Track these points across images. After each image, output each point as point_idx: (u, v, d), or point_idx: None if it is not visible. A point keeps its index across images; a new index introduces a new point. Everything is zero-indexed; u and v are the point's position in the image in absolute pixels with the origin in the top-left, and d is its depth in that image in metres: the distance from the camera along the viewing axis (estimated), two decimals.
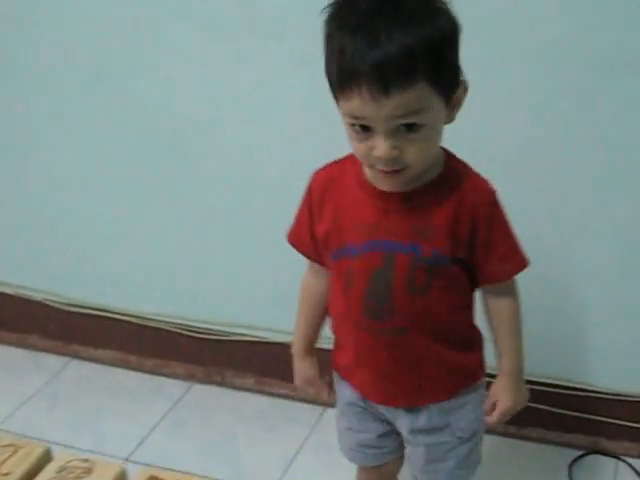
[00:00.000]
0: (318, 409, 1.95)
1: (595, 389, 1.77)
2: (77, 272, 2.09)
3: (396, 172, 1.13)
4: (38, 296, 2.15)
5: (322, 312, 1.36)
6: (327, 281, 1.32)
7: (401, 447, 1.41)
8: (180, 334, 2.04)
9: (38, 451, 0.67)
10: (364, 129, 1.09)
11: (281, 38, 1.66)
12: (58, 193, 2.02)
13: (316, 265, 1.33)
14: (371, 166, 1.14)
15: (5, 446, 0.66)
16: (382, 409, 1.33)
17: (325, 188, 1.26)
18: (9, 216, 2.10)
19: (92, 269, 2.06)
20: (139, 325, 2.06)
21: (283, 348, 1.90)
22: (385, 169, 1.12)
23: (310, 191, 1.28)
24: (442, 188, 1.20)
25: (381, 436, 1.38)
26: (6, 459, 0.65)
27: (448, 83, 1.11)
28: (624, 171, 1.58)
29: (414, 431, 1.32)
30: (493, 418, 1.30)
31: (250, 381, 2.03)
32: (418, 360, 1.26)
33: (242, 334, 1.99)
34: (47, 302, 2.14)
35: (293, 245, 1.32)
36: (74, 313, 2.12)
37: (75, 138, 1.93)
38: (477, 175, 1.23)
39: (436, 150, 1.17)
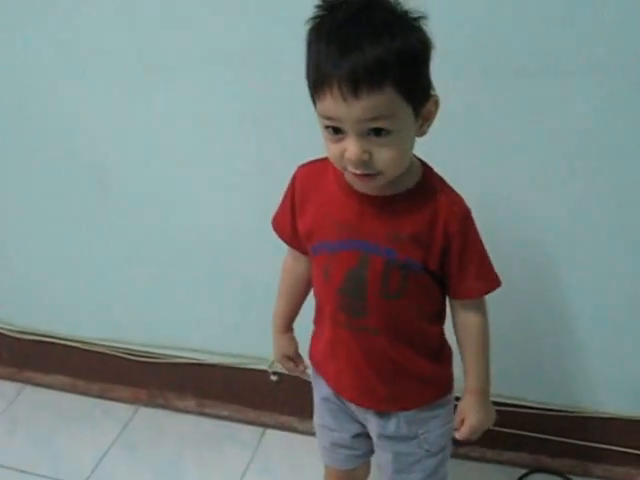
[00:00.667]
0: (259, 430, 2.02)
1: (532, 405, 1.81)
2: (26, 300, 2.15)
3: (369, 177, 1.19)
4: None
5: (302, 291, 1.45)
6: (307, 265, 1.40)
7: (371, 452, 1.48)
8: (123, 358, 2.09)
9: None
10: (337, 132, 1.16)
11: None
12: (4, 224, 2.08)
13: (296, 252, 1.40)
14: (344, 169, 1.21)
15: None
16: (353, 408, 1.40)
17: (307, 184, 1.33)
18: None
19: (40, 297, 2.12)
20: (85, 350, 2.11)
21: (223, 370, 1.96)
22: (357, 172, 1.18)
23: (294, 184, 1.35)
24: (418, 198, 1.25)
25: (355, 437, 1.46)
26: None
27: (417, 95, 1.17)
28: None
29: (382, 437, 1.39)
30: (462, 434, 1.34)
31: (191, 403, 2.08)
32: (390, 364, 1.32)
33: (181, 356, 2.03)
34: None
35: (276, 231, 1.40)
36: (25, 340, 2.18)
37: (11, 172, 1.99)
38: (452, 191, 1.28)
39: (407, 158, 1.22)
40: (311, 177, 1.34)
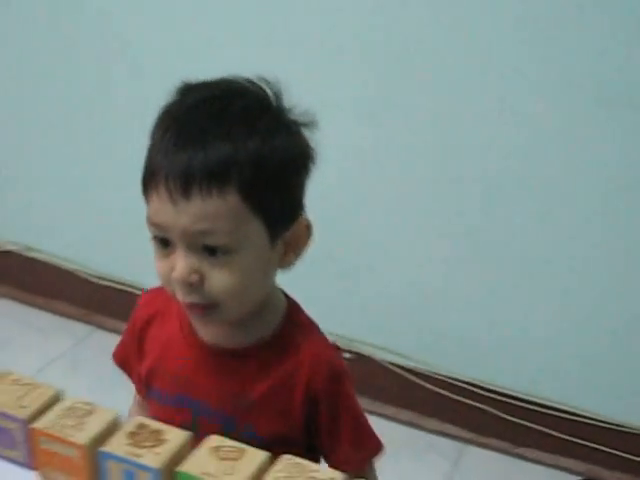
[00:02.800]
0: None
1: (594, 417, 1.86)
2: (106, 246, 2.25)
3: (203, 309, 0.95)
4: (69, 265, 2.31)
5: None
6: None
7: None
8: None
9: (50, 392, 0.84)
10: (165, 244, 0.94)
11: None
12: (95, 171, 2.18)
13: (140, 398, 1.15)
14: (174, 296, 0.96)
15: (25, 384, 0.84)
16: None
17: (148, 318, 1.09)
18: (49, 189, 2.27)
19: (123, 245, 2.20)
20: None
21: None
22: (185, 300, 0.94)
23: (134, 317, 1.12)
24: (276, 349, 1.01)
25: None
26: (24, 395, 0.83)
27: (274, 211, 0.95)
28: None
29: None
30: None
31: None
32: None
33: None
34: (77, 272, 2.30)
35: (121, 367, 1.14)
36: (101, 285, 2.27)
37: None
38: (322, 339, 1.05)
39: (255, 291, 0.98)
40: (153, 310, 1.09)
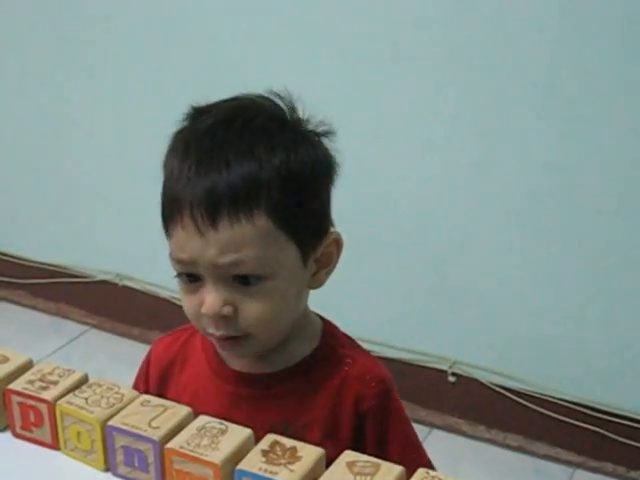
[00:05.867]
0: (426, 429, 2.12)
1: None
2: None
3: (234, 341, 0.92)
4: (164, 293, 2.34)
5: None
6: None
7: None
8: None
9: (182, 412, 0.87)
10: (192, 279, 0.91)
11: None
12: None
13: None
14: (204, 332, 0.94)
15: (156, 406, 0.88)
16: None
17: (166, 366, 1.06)
18: (144, 215, 2.32)
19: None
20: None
21: (400, 365, 2.07)
22: (217, 334, 0.91)
23: (147, 368, 1.08)
24: (317, 371, 0.98)
25: None
26: (156, 416, 0.86)
27: (305, 230, 0.92)
28: None
29: None
30: None
31: None
32: None
33: None
34: (173, 300, 2.32)
35: None
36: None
37: None
38: (366, 355, 1.02)
39: (288, 317, 0.95)
40: (171, 356, 1.05)
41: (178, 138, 0.94)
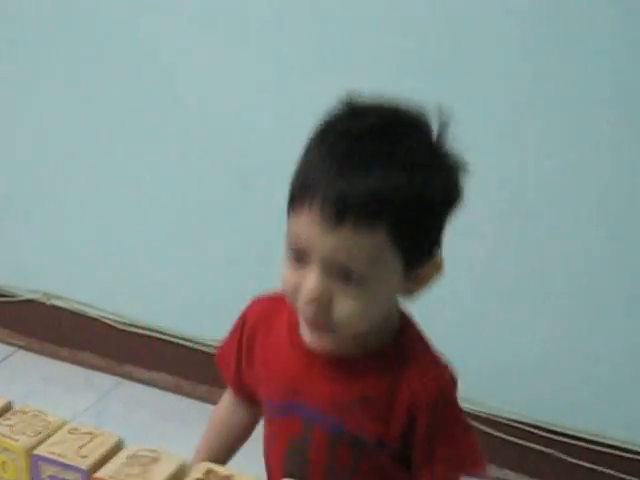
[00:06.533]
0: None
1: None
2: (134, 291, 2.25)
3: (320, 326, 1.00)
4: (94, 313, 2.30)
5: (230, 445, 1.25)
6: (245, 416, 1.24)
7: None
8: None
9: (111, 440, 0.83)
10: (300, 258, 0.99)
11: None
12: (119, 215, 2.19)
13: (236, 398, 1.23)
14: (292, 304, 1.02)
15: (84, 434, 0.83)
16: None
17: (257, 326, 1.15)
18: (71, 233, 2.27)
19: (152, 290, 2.22)
20: (194, 350, 2.19)
21: None
22: (308, 314, 0.99)
23: (243, 324, 1.18)
24: (384, 360, 1.06)
25: None
26: (85, 444, 0.82)
27: (416, 249, 1.00)
28: None
29: None
30: None
31: None
32: None
33: None
34: (103, 319, 2.29)
35: (220, 368, 1.22)
36: (130, 333, 2.27)
37: None
38: (433, 354, 1.09)
39: (374, 320, 1.02)
40: (263, 317, 1.15)
41: (329, 128, 1.00)
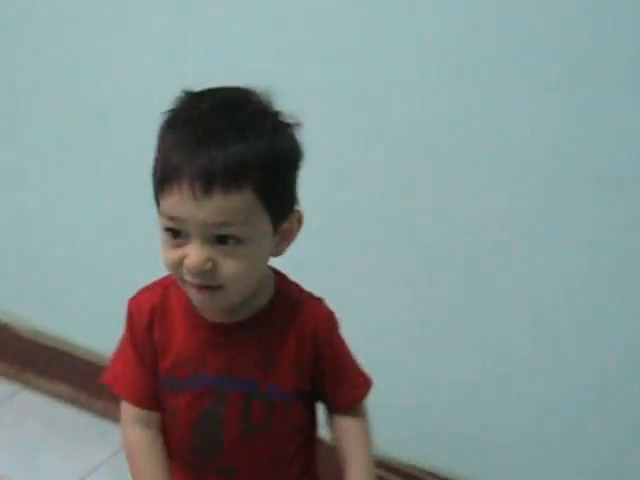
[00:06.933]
0: None
1: None
2: (46, 299, 2.22)
3: (211, 290, 1.11)
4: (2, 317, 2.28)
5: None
6: (160, 432, 1.26)
7: None
8: None
9: None
10: (177, 235, 1.09)
11: None
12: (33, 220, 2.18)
13: (146, 413, 1.24)
14: (182, 281, 1.13)
15: None
16: None
17: (151, 319, 1.22)
18: None
19: (63, 300, 2.19)
20: (96, 364, 2.14)
21: None
22: (197, 282, 1.10)
23: (132, 325, 1.24)
24: (275, 316, 1.20)
25: None
26: None
27: (278, 205, 1.12)
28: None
29: None
30: None
31: None
32: None
33: None
34: (9, 325, 2.28)
35: (128, 400, 1.24)
36: (33, 341, 2.25)
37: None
38: (313, 298, 1.25)
39: (256, 277, 1.15)
40: (152, 309, 1.22)
41: (176, 115, 1.12)
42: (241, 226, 1.08)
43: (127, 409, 1.25)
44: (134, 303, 1.24)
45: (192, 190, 1.05)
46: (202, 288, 1.11)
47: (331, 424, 1.30)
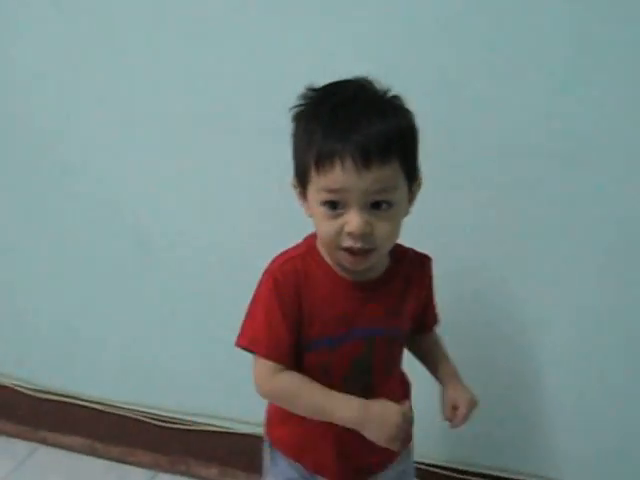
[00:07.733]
0: None
1: None
2: (46, 358, 2.27)
3: (364, 253, 1.30)
4: (7, 381, 2.32)
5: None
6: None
7: None
8: (146, 422, 2.20)
9: None
10: (334, 207, 1.29)
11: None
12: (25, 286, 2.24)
13: (285, 367, 1.38)
14: (338, 248, 1.31)
15: None
16: None
17: (297, 284, 1.38)
18: None
19: (62, 355, 2.24)
20: (106, 412, 2.23)
21: (247, 439, 2.07)
22: (355, 247, 1.29)
23: (279, 290, 1.37)
24: (399, 270, 1.43)
25: None
26: None
27: (413, 171, 1.34)
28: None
29: None
30: (459, 420, 1.46)
31: (214, 471, 2.18)
32: None
33: (207, 424, 2.15)
34: (16, 387, 2.31)
35: (271, 358, 1.37)
36: (43, 399, 2.29)
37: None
38: (413, 250, 1.48)
39: (399, 235, 1.36)
40: (297, 276, 1.38)
41: (315, 109, 1.31)
42: (393, 191, 1.29)
43: (267, 366, 1.37)
44: (278, 271, 1.39)
45: (355, 164, 1.25)
46: (358, 253, 1.30)
47: (419, 341, 1.55)
